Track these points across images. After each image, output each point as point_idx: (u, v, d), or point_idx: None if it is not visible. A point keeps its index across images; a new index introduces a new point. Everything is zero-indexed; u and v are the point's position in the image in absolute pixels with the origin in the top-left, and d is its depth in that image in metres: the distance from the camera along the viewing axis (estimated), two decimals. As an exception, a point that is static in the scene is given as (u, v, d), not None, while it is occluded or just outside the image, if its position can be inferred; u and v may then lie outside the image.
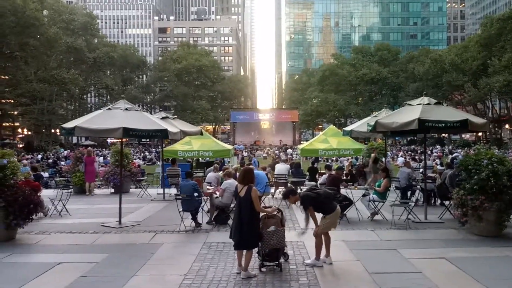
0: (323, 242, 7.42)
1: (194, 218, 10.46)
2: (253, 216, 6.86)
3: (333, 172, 12.65)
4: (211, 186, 12.47)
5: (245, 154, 49.08)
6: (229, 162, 25.91)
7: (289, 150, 48.05)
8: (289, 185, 15.90)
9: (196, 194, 10.43)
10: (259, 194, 12.70)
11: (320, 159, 31.13)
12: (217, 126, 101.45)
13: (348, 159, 29.48)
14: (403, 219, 10.86)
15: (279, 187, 15.78)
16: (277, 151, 54.12)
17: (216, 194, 11.26)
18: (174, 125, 13.39)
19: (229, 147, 21.56)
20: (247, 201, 6.83)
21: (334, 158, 28.77)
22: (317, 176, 18.80)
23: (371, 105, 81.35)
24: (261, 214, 7.05)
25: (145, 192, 16.81)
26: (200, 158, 29.92)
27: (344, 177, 19.91)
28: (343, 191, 12.11)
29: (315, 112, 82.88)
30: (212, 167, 14.15)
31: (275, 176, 16.00)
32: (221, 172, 14.34)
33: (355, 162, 26.53)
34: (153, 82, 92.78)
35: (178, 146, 19.49)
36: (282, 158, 21.07)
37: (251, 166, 14.26)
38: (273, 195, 15.80)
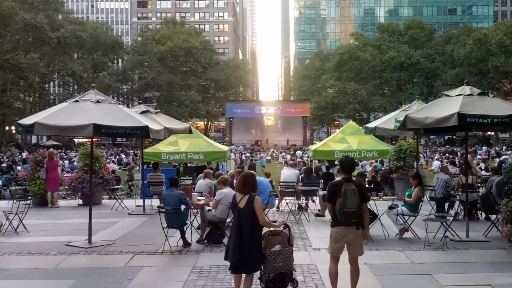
0: (337, 272, 6.95)
1: (182, 235, 10.48)
2: (256, 232, 6.87)
3: (354, 179, 12.63)
4: (202, 196, 12.48)
5: (244, 156, 49.22)
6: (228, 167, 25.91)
7: (299, 152, 48.15)
8: (300, 200, 15.94)
9: (183, 206, 10.44)
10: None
11: (336, 163, 31.04)
12: (209, 123, 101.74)
13: (371, 163, 29.47)
14: (439, 237, 10.85)
15: (286, 198, 15.80)
16: (283, 153, 54.28)
17: (208, 206, 11.27)
18: (157, 121, 13.39)
19: (225, 148, 21.57)
20: (248, 213, 6.82)
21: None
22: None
23: (400, 96, 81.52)
24: (264, 230, 7.05)
25: (120, 204, 16.84)
26: (188, 162, 30.03)
27: (367, 185, 19.97)
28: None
29: (331, 105, 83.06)
30: (203, 173, 14.15)
31: (280, 184, 16.03)
32: (215, 179, 14.37)
33: (380, 166, 26.53)
34: (130, 68, 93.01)
35: (162, 147, 19.48)
36: (290, 162, 21.09)
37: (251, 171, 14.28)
38: (278, 208, 15.85)
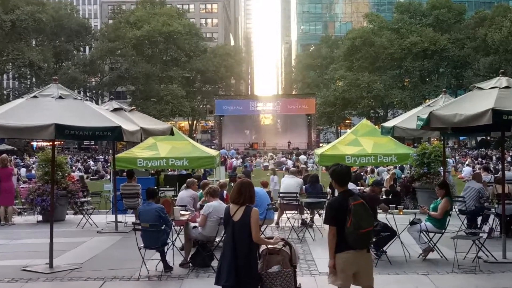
0: None
1: (162, 258, 10.46)
2: (253, 249, 6.95)
3: (367, 190, 12.65)
4: (186, 210, 12.47)
5: (236, 161, 49.19)
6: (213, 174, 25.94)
7: (302, 157, 48.15)
8: (305, 213, 15.94)
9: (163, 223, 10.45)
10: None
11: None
12: (195, 122, 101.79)
13: (389, 169, 29.52)
14: (470, 258, 10.88)
15: (287, 212, 15.81)
16: (283, 158, 54.30)
17: (194, 222, 11.26)
18: (132, 121, 13.38)
19: (214, 152, 21.55)
20: (244, 227, 6.89)
21: (368, 168, 28.79)
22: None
23: (423, 90, 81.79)
24: (262, 247, 7.10)
25: (88, 220, 16.81)
26: (170, 170, 29.99)
27: (384, 196, 19.99)
28: (381, 216, 12.13)
29: (341, 100, 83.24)
30: (186, 183, 14.14)
31: (280, 195, 16.04)
32: (200, 189, 14.35)
33: (400, 174, 26.57)
34: (100, 57, 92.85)
35: (138, 152, 19.47)
36: (291, 168, 21.12)
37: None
38: (277, 224, 15.90)
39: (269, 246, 7.14)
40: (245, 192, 7.07)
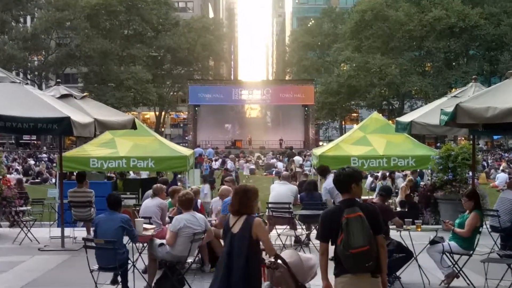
0: None
1: (123, 282, 10.46)
2: (252, 267, 7.15)
3: (376, 200, 12.68)
4: (150, 224, 12.45)
5: (214, 163, 49.12)
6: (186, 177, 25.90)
7: (297, 158, 48.12)
8: (298, 225, 15.94)
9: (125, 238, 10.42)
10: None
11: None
12: (164, 113, 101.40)
13: (405, 175, 29.58)
14: (505, 285, 10.94)
15: (277, 226, 15.83)
16: (273, 159, 54.32)
17: (160, 239, 11.24)
18: (84, 111, 13.34)
19: (187, 151, 21.53)
20: (243, 240, 7.14)
21: (379, 174, 28.89)
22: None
23: (449, 77, 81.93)
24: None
25: (27, 235, 16.72)
26: (131, 172, 29.89)
27: (398, 209, 20.03)
28: (395, 234, 12.17)
29: (346, 88, 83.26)
30: (152, 190, 14.09)
31: (269, 206, 16.04)
32: (169, 197, 14.31)
33: (419, 181, 26.62)
34: (45, 30, 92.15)
35: (91, 150, 19.42)
36: (284, 173, 21.10)
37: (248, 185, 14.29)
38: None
39: (267, 262, 7.38)
40: (245, 198, 7.34)
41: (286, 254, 7.67)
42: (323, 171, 17.35)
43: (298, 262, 7.54)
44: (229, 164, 39.31)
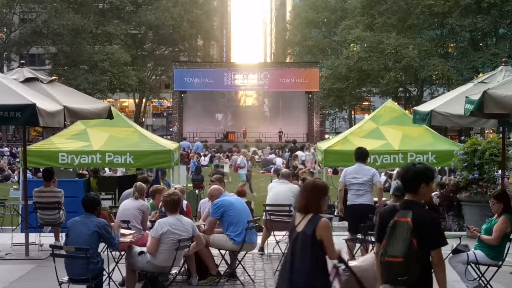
0: None
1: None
2: (319, 269, 7.34)
3: (390, 201, 12.70)
4: (129, 229, 12.44)
5: (203, 159, 49.08)
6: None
7: (300, 153, 48.06)
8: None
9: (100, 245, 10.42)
10: (233, 247, 12.76)
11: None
12: (145, 101, 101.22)
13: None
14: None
15: (275, 232, 15.80)
16: (272, 155, 54.27)
17: (140, 246, 11.25)
18: (52, 97, 13.32)
19: (171, 145, 21.51)
20: (306, 240, 7.34)
21: (394, 172, 28.94)
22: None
23: (475, 59, 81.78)
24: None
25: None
26: (106, 169, 29.86)
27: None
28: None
29: (356, 72, 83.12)
30: (132, 189, 14.06)
31: (267, 208, 16.04)
32: (151, 198, 14.31)
33: (439, 179, 26.69)
34: (6, 4, 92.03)
35: (60, 143, 19.38)
36: (283, 170, 21.08)
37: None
38: (262, 250, 15.95)
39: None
40: (311, 197, 7.50)
41: (362, 258, 7.95)
42: (362, 155, 16.89)
43: (368, 267, 7.66)
44: (239, 160, 38.91)
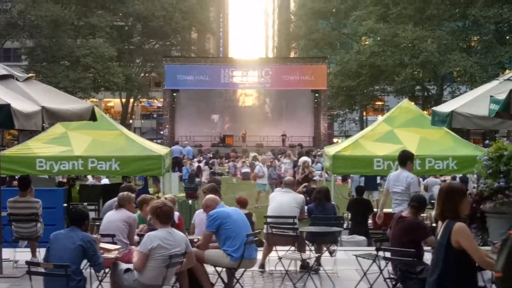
0: None
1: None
2: (456, 280, 7.54)
3: (405, 213, 12.70)
4: (114, 243, 12.43)
5: (195, 164, 49.07)
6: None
7: (305, 159, 48.00)
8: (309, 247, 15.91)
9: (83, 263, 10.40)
10: (230, 263, 12.73)
11: (380, 179, 30.92)
12: (133, 100, 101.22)
13: (443, 180, 29.64)
14: None
15: (277, 247, 15.74)
16: (274, 160, 54.26)
17: (126, 263, 11.23)
18: (29, 96, 13.31)
19: (162, 150, 21.52)
20: (440, 248, 7.63)
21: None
22: (369, 219, 18.83)
23: (501, 54, 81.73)
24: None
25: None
26: (89, 177, 29.84)
27: (434, 225, 20.03)
28: (430, 258, 12.19)
29: (368, 68, 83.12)
30: (117, 199, 14.05)
31: (268, 220, 16.01)
32: (138, 209, 14.29)
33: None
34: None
35: (38, 148, 19.37)
36: (287, 178, 21.01)
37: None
38: (263, 267, 15.89)
39: None
40: (447, 202, 7.79)
41: None
42: (401, 159, 16.89)
43: None
44: (257, 168, 38.49)
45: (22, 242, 17.07)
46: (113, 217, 13.39)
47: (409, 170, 16.18)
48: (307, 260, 15.43)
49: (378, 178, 29.81)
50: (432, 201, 23.69)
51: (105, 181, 29.67)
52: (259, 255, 15.30)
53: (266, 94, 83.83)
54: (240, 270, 13.37)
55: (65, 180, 26.97)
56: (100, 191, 24.72)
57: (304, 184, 26.93)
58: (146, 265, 10.66)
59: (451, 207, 7.63)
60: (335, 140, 75.70)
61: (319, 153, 49.65)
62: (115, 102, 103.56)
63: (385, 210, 18.08)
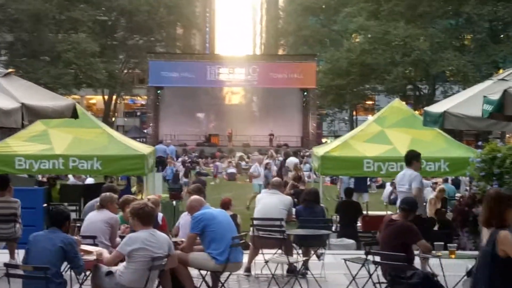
0: None
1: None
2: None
3: (396, 216, 12.74)
4: (95, 245, 12.41)
5: (180, 165, 49.03)
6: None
7: (292, 160, 48.07)
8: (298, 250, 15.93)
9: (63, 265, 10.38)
10: (215, 266, 12.73)
11: (370, 181, 30.95)
12: (115, 97, 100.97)
13: (434, 183, 29.69)
14: None
15: (264, 250, 15.72)
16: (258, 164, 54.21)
17: (110, 265, 11.22)
18: (8, 93, 13.29)
19: (145, 149, 21.50)
20: (485, 257, 7.60)
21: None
22: (358, 222, 18.88)
23: (495, 53, 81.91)
24: None
25: None
26: (70, 176, 29.78)
27: (424, 227, 20.09)
28: (420, 264, 12.23)
29: (359, 66, 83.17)
30: (99, 199, 14.02)
31: (254, 222, 16.02)
32: (120, 210, 14.28)
33: (453, 191, 26.77)
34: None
35: (17, 146, 19.33)
36: (274, 179, 20.98)
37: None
38: (248, 271, 15.89)
39: None
40: (494, 208, 7.66)
41: None
42: (406, 158, 16.93)
43: None
44: (253, 168, 37.33)
45: (0, 244, 17.04)
46: (95, 218, 13.38)
47: (415, 169, 16.21)
48: (294, 264, 15.48)
49: (368, 179, 29.92)
50: (424, 204, 23.71)
51: (89, 180, 29.63)
52: (245, 258, 15.21)
53: (253, 92, 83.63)
54: (225, 274, 13.31)
55: (45, 179, 26.89)
56: (81, 191, 24.62)
57: (292, 183, 26.88)
58: (127, 266, 10.66)
59: (497, 214, 7.57)
60: (324, 140, 75.68)
61: (308, 153, 49.57)
62: (97, 99, 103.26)
63: (375, 213, 18.20)
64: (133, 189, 28.64)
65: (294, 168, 33.41)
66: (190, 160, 55.03)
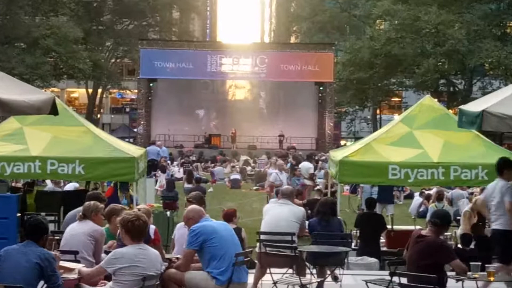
0: None
1: None
2: None
3: (426, 231, 12.74)
4: (77, 262, 12.44)
5: (175, 170, 49.08)
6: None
7: (306, 165, 48.12)
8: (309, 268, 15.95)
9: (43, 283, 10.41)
10: (215, 287, 12.73)
11: (395, 190, 30.94)
12: (101, 91, 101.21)
13: (471, 193, 29.69)
14: None
15: (272, 269, 15.72)
16: (269, 166, 54.35)
17: (93, 286, 11.25)
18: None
19: (135, 150, 21.55)
20: None
21: (431, 192, 29.01)
22: (381, 238, 18.92)
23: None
24: None
25: None
26: (48, 182, 29.83)
27: (458, 245, 20.07)
28: (455, 285, 12.26)
29: (383, 57, 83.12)
30: (82, 209, 14.05)
31: (261, 238, 16.01)
32: (106, 221, 14.31)
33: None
34: None
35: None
36: (284, 187, 21.01)
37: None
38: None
39: None
40: None
41: None
42: (497, 166, 16.81)
43: None
44: (273, 176, 36.54)
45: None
46: (77, 231, 13.38)
47: (508, 179, 16.11)
48: (307, 286, 15.49)
49: (394, 189, 29.91)
50: (458, 218, 23.67)
51: (69, 186, 29.43)
52: (250, 279, 15.22)
53: (261, 86, 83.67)
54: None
55: (19, 185, 26.96)
56: (60, 199, 24.67)
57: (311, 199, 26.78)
58: (113, 283, 10.68)
59: None
60: (342, 142, 75.81)
61: (323, 157, 49.65)
62: (80, 93, 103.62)
63: (401, 227, 18.16)
64: (125, 200, 28.61)
65: (309, 177, 33.40)
66: (187, 163, 55.13)
